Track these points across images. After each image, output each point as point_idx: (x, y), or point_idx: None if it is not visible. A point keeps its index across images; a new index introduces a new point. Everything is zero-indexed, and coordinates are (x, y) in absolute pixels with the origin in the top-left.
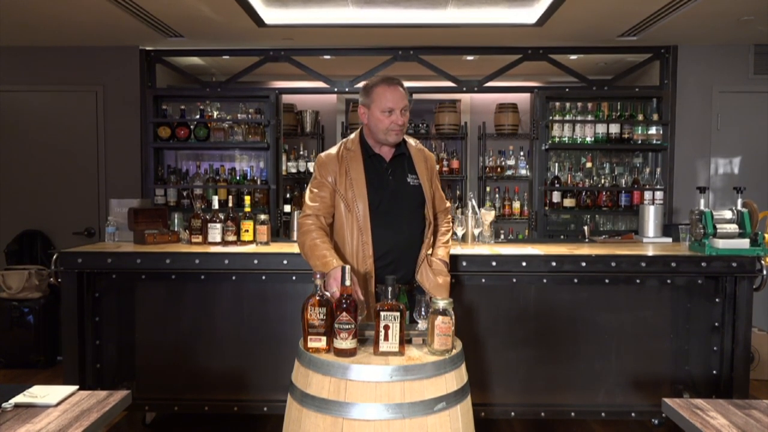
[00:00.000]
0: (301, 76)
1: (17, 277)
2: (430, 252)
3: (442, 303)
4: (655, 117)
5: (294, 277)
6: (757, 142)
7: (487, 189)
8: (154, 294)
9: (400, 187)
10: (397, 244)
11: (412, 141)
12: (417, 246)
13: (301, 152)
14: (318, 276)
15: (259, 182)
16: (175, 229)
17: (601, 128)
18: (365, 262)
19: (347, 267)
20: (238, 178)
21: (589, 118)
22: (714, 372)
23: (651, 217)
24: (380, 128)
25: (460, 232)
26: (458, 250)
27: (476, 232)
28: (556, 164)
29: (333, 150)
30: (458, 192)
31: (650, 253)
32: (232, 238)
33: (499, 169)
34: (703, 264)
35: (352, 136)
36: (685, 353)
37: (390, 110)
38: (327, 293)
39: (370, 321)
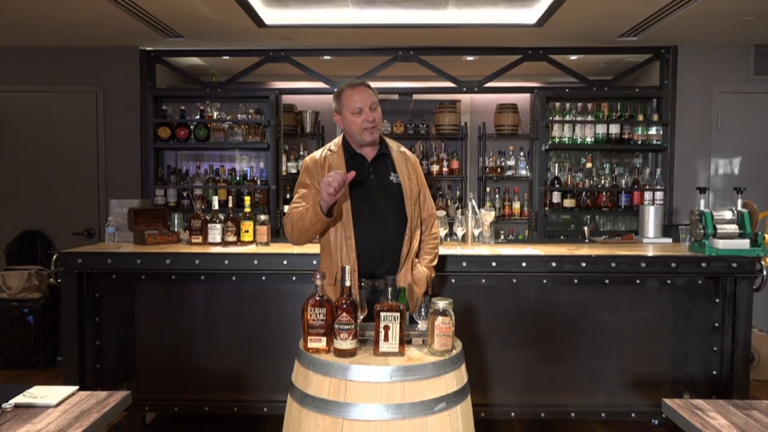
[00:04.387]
0: (301, 77)
1: (17, 277)
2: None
3: (442, 303)
4: (655, 117)
5: (294, 277)
6: (757, 142)
7: (487, 189)
8: (154, 294)
9: (383, 185)
10: (380, 240)
11: (393, 144)
12: (400, 242)
13: (301, 152)
14: (318, 276)
15: (259, 182)
16: (175, 230)
17: (601, 128)
18: (349, 257)
19: (348, 267)
20: (238, 178)
21: (589, 118)
22: (714, 372)
23: (651, 217)
24: (355, 129)
25: (460, 232)
26: (458, 250)
27: (476, 232)
28: (556, 165)
29: (317, 153)
30: (458, 192)
31: (650, 253)
32: (232, 238)
33: (499, 170)
34: (703, 264)
35: (336, 139)
36: (685, 353)
37: (359, 110)
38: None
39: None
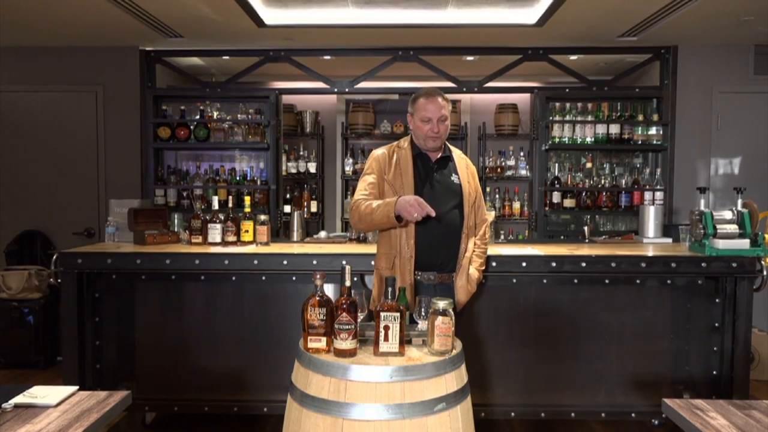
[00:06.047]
0: (301, 77)
1: (17, 277)
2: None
3: (442, 303)
4: (655, 117)
5: (294, 277)
6: (757, 142)
7: (488, 189)
8: (154, 294)
9: (445, 184)
10: (437, 234)
11: (456, 150)
12: (457, 238)
13: (301, 152)
14: (318, 276)
15: (259, 182)
16: (175, 230)
17: (601, 128)
18: (407, 244)
19: (348, 266)
20: (238, 178)
21: (589, 118)
22: (714, 372)
23: (651, 217)
24: (419, 134)
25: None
26: None
27: None
28: (556, 164)
29: (385, 148)
30: None
31: (650, 253)
32: (232, 238)
33: (499, 170)
34: (703, 264)
35: (406, 138)
36: (685, 353)
37: (428, 119)
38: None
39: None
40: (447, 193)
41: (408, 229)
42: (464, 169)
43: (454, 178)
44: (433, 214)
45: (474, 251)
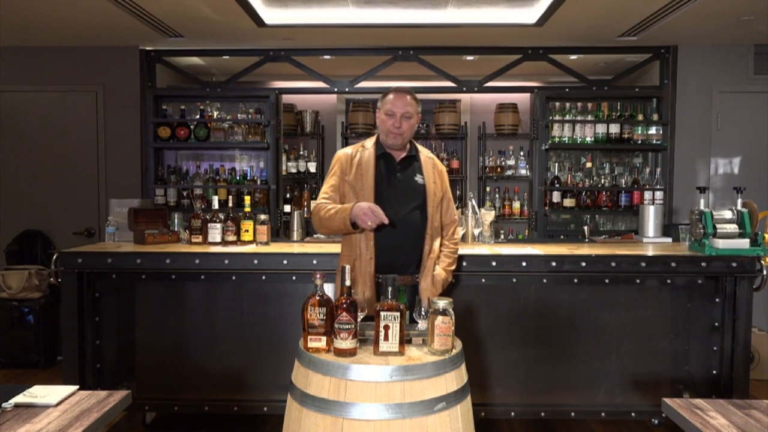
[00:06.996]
0: (301, 76)
1: (17, 277)
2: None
3: (442, 303)
4: (655, 117)
5: (294, 277)
6: (757, 142)
7: (487, 189)
8: (154, 294)
9: (408, 184)
10: (398, 235)
11: (424, 149)
12: (420, 238)
13: (301, 152)
14: (318, 276)
15: (259, 182)
16: (175, 229)
17: (601, 128)
18: (367, 246)
19: (347, 267)
20: (238, 178)
21: (589, 118)
22: (714, 372)
23: (651, 217)
24: (382, 129)
25: (460, 232)
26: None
27: (476, 232)
28: (556, 164)
29: (349, 148)
30: (458, 192)
31: (650, 253)
32: (232, 238)
33: (499, 169)
34: (703, 264)
35: (372, 138)
36: (685, 353)
37: (392, 114)
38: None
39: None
40: (409, 194)
41: (367, 231)
42: (430, 168)
43: (418, 178)
44: (386, 221)
45: (442, 251)
